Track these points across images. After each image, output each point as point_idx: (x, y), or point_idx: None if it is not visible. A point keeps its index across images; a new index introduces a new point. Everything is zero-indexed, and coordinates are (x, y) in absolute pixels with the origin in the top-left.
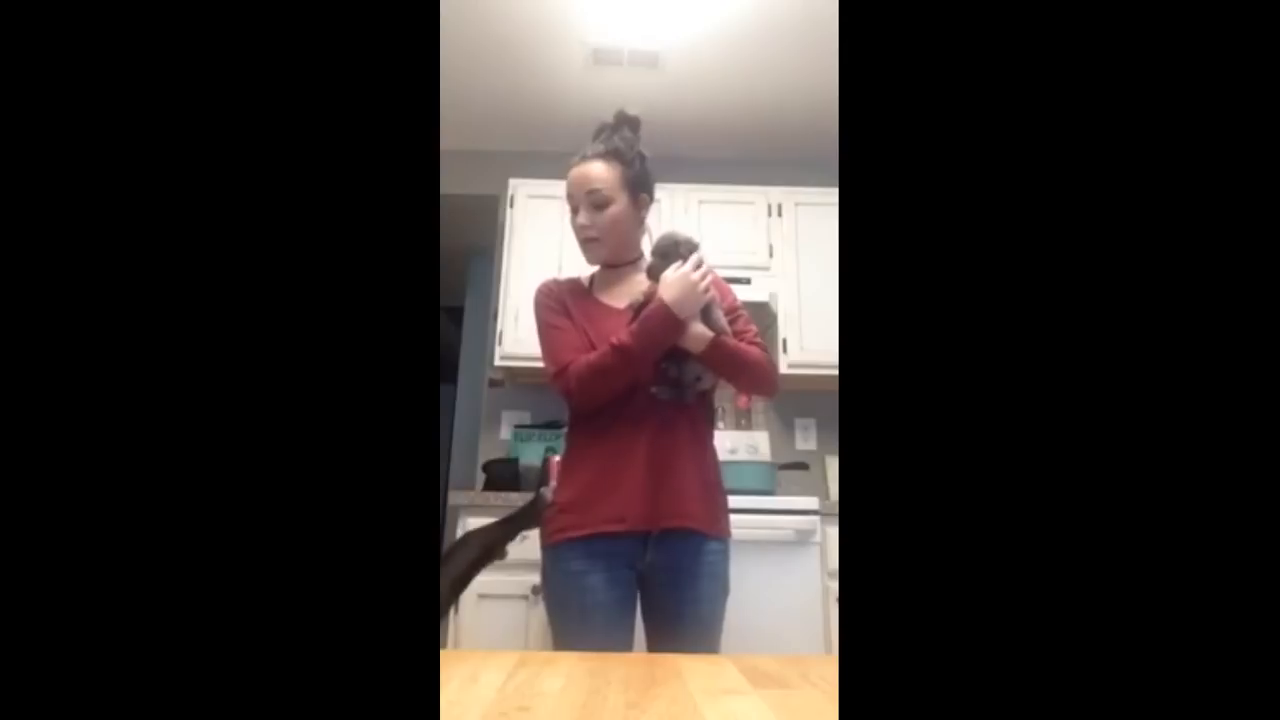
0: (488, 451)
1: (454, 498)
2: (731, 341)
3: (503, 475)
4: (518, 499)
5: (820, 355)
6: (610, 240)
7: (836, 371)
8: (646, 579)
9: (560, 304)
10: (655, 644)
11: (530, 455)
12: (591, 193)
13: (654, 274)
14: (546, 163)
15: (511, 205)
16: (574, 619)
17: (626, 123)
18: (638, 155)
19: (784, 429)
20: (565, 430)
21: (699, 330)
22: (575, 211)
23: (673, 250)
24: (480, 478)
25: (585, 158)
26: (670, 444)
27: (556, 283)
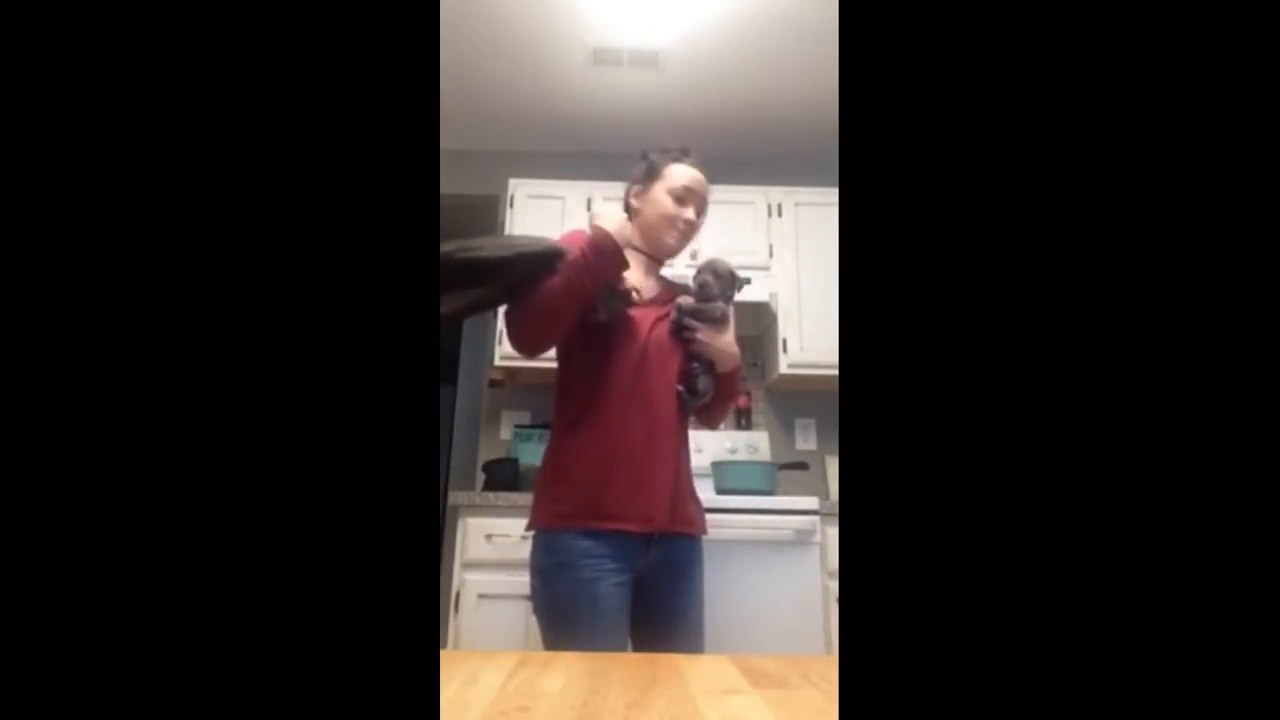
0: (488, 451)
1: (454, 498)
2: (736, 385)
3: (503, 475)
4: (518, 499)
5: (820, 355)
6: (688, 243)
7: (836, 371)
8: (643, 581)
9: None
10: (648, 645)
11: (530, 455)
12: (703, 200)
13: (706, 291)
14: (546, 163)
15: (511, 205)
16: (584, 624)
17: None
18: None
19: (784, 429)
20: (566, 406)
21: (730, 350)
22: (682, 203)
23: (726, 272)
24: (480, 478)
25: (693, 161)
26: (682, 446)
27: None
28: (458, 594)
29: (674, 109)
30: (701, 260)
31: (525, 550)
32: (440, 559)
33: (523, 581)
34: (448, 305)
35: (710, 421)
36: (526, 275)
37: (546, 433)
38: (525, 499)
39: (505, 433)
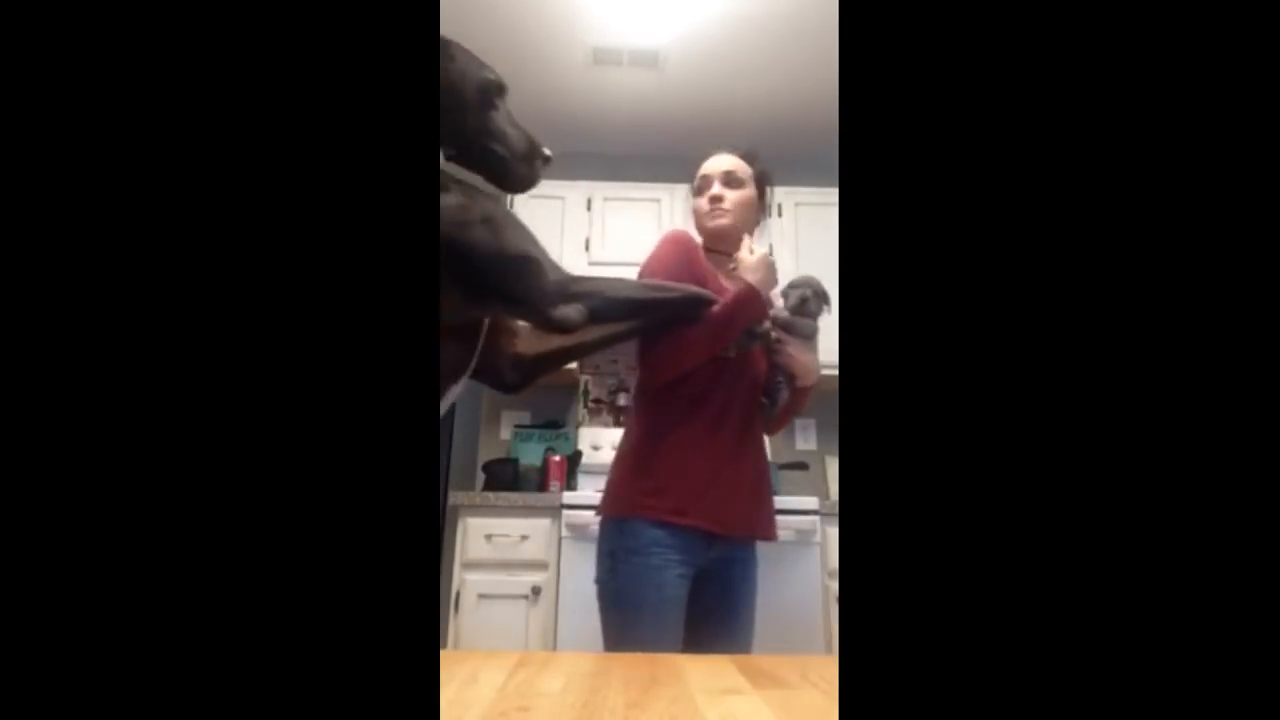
0: (488, 451)
1: (454, 498)
2: (807, 399)
3: (503, 475)
4: (518, 499)
5: (820, 355)
6: (736, 218)
7: (836, 371)
8: (700, 576)
9: (691, 259)
10: (700, 639)
11: (530, 455)
12: (728, 173)
13: (806, 307)
14: None
15: (511, 205)
16: (649, 610)
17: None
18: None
19: (784, 429)
20: (657, 401)
21: (814, 366)
22: (702, 192)
23: (823, 291)
24: (480, 478)
25: (719, 150)
26: (762, 453)
27: (693, 240)
28: (458, 594)
29: (674, 109)
30: (797, 276)
31: (525, 550)
32: (440, 559)
33: (522, 581)
34: (594, 334)
35: (770, 430)
36: (669, 319)
37: (546, 433)
38: (525, 499)
39: (505, 433)
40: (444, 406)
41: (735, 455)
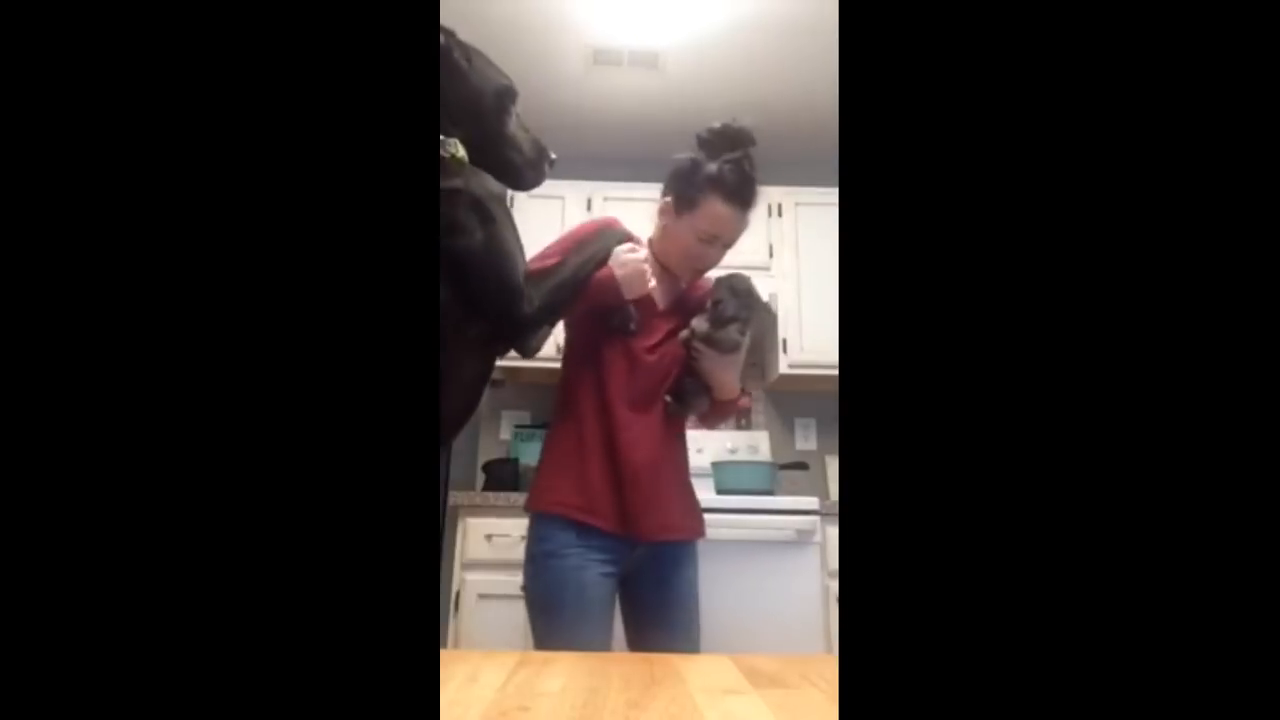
0: (488, 451)
1: (454, 498)
2: (735, 406)
3: (503, 475)
4: (518, 499)
5: (820, 355)
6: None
7: (836, 371)
8: (630, 579)
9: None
10: (639, 645)
11: (530, 455)
12: (733, 240)
13: (720, 310)
14: None
15: (512, 205)
16: (569, 611)
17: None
18: None
19: (784, 429)
20: (562, 398)
21: (731, 384)
22: (710, 241)
23: (744, 290)
24: (480, 478)
25: (747, 205)
26: (673, 455)
27: (624, 234)
28: (458, 594)
29: (674, 110)
30: (721, 273)
31: (523, 551)
32: (440, 559)
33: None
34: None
35: (705, 424)
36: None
37: (546, 432)
38: (525, 499)
39: (505, 433)
40: (471, 418)
41: (650, 456)
